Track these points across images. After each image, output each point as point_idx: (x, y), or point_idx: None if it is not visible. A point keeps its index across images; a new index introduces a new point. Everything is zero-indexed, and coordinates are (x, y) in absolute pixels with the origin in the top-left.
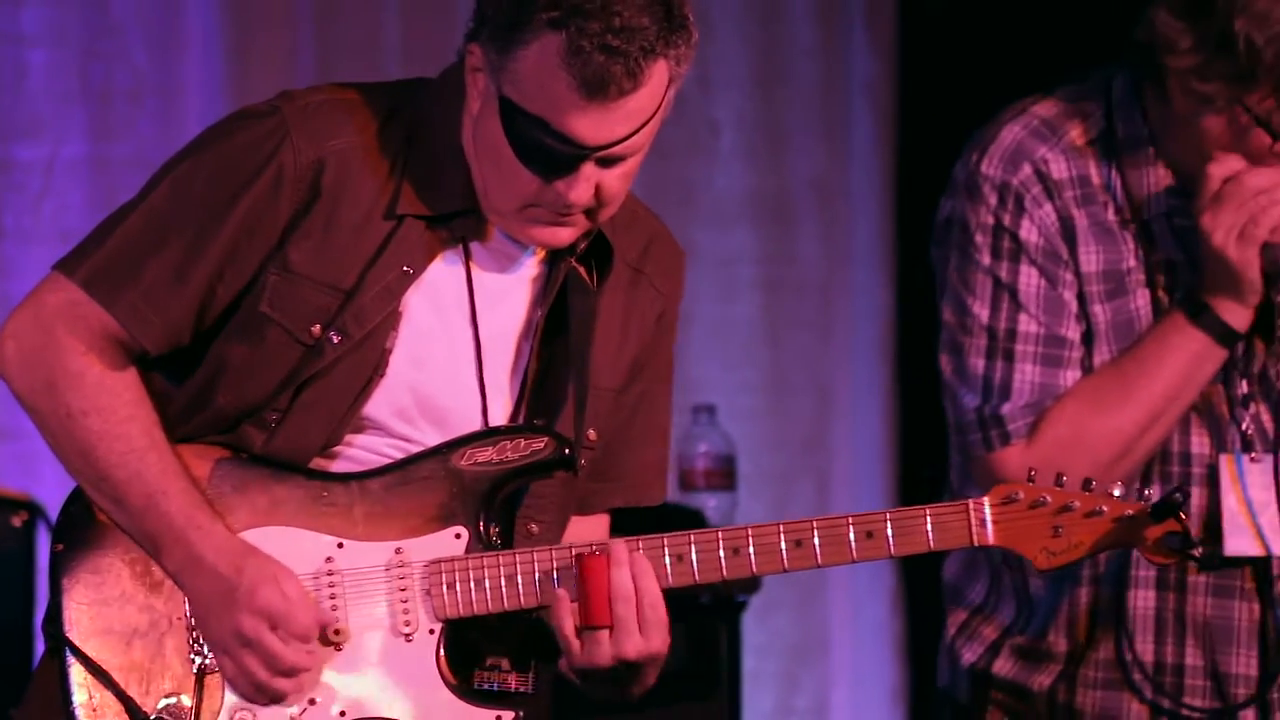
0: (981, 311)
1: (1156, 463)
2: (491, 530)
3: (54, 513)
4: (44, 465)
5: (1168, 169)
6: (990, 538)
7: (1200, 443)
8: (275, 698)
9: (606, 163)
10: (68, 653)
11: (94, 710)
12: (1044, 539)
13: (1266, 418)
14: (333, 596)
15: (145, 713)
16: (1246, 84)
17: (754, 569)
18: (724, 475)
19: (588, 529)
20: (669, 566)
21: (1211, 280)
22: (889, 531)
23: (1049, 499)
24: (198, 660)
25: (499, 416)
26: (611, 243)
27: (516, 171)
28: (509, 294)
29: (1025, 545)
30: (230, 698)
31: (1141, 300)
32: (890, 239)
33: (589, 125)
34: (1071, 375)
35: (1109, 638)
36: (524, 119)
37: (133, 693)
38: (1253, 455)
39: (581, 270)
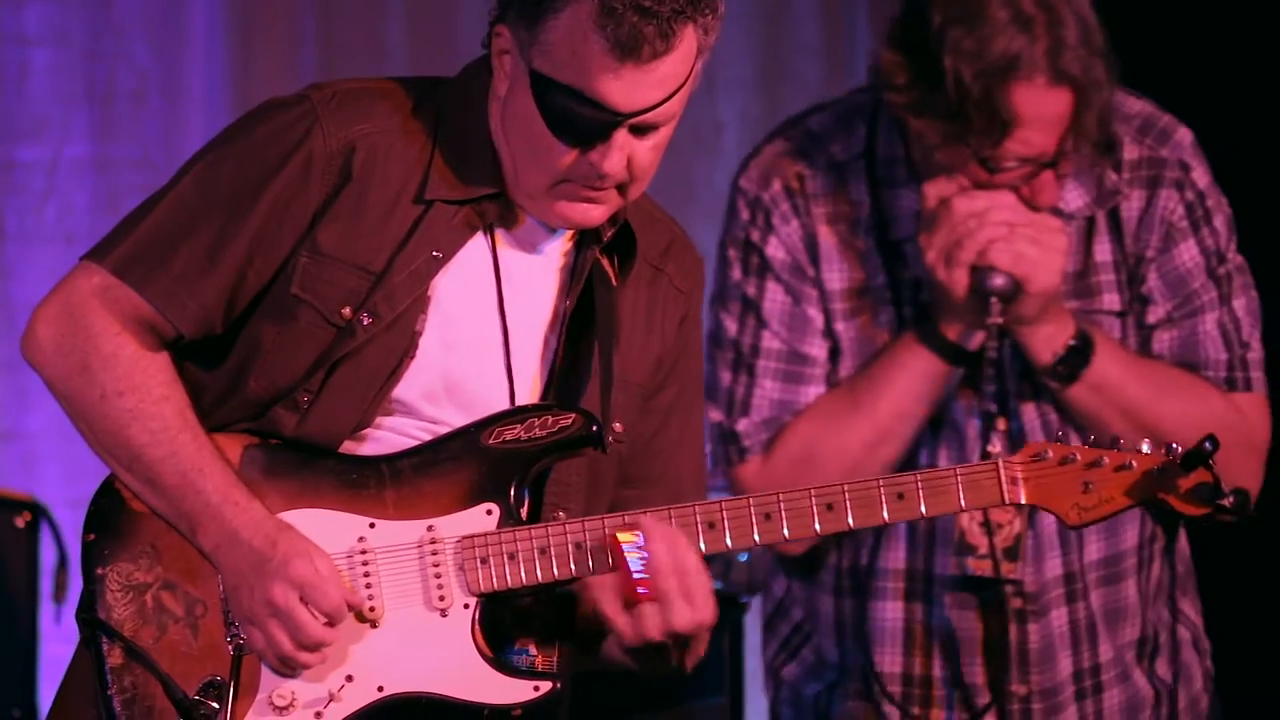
0: (730, 326)
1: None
2: (523, 507)
3: (56, 512)
4: (46, 466)
5: (918, 192)
6: (1022, 495)
7: (948, 457)
8: (300, 671)
9: (639, 131)
10: (103, 639)
11: (133, 694)
12: (1075, 495)
13: (1015, 422)
14: (367, 574)
15: (185, 693)
16: (958, 120)
17: (786, 534)
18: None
19: None
20: (701, 534)
21: (933, 301)
22: (920, 492)
23: (1078, 456)
24: (234, 641)
25: (526, 401)
26: (636, 235)
27: (549, 146)
28: (535, 282)
29: (1056, 502)
30: (268, 677)
31: (885, 318)
32: None
33: (622, 89)
34: (813, 391)
35: (861, 649)
36: (556, 90)
37: (171, 674)
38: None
39: (605, 263)
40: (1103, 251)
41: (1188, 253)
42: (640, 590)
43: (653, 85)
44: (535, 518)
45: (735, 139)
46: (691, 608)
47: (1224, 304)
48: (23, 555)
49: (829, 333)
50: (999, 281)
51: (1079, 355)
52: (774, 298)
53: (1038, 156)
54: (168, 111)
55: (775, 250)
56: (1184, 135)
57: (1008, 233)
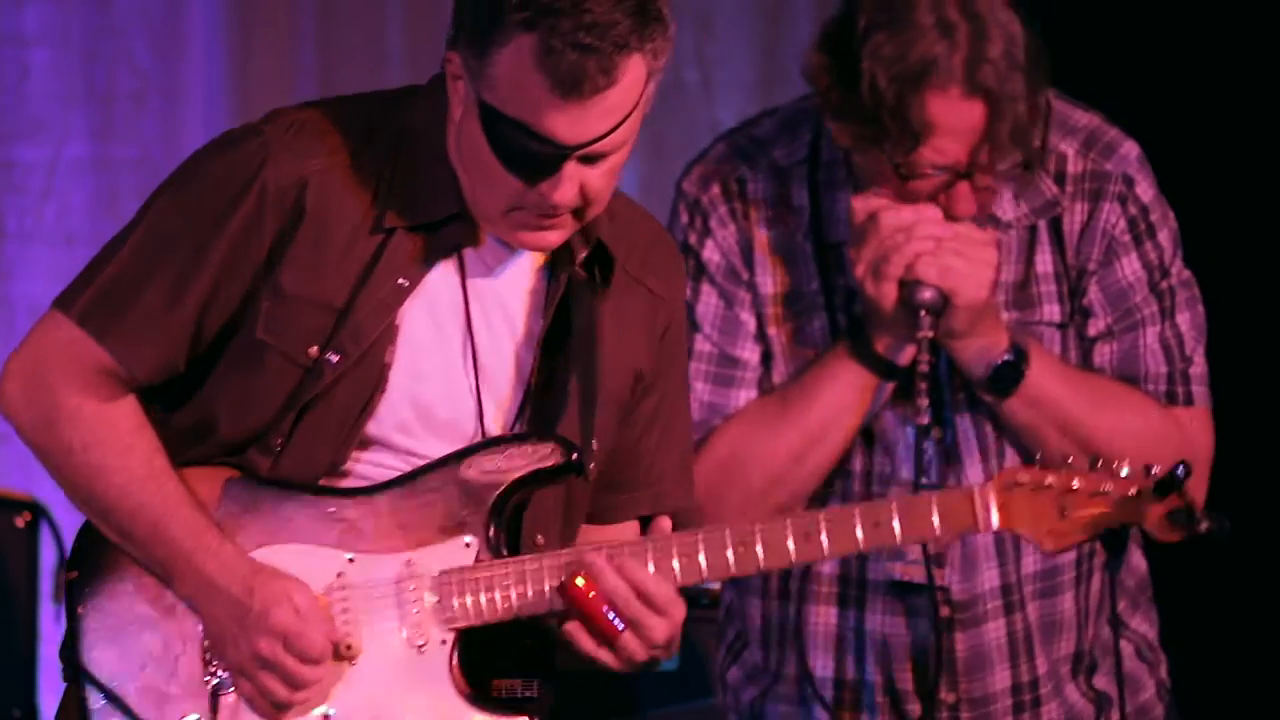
0: None
1: (839, 479)
2: (502, 538)
3: (57, 512)
4: None
5: (857, 194)
6: (995, 522)
7: (880, 468)
8: (294, 715)
9: (588, 160)
10: (84, 681)
11: None
12: (1050, 521)
13: (950, 430)
14: (345, 611)
15: None
16: (873, 125)
17: (761, 565)
18: None
19: (626, 536)
20: (678, 567)
21: (864, 314)
22: (895, 521)
23: (1052, 481)
24: (212, 681)
25: (498, 426)
26: (613, 252)
27: (500, 176)
28: (507, 302)
29: (1031, 528)
30: (247, 716)
31: (819, 324)
32: None
33: (567, 124)
34: (744, 395)
35: (795, 653)
36: (504, 123)
37: (148, 717)
38: (924, 484)
39: (583, 276)
40: (1044, 262)
41: (1129, 266)
42: (612, 626)
43: (599, 117)
44: (515, 546)
45: None
46: (664, 618)
47: (1166, 318)
48: (23, 555)
49: (761, 337)
50: (927, 295)
51: (1013, 369)
52: (707, 301)
53: (952, 166)
54: (167, 112)
55: (711, 254)
56: (1130, 149)
57: (934, 246)
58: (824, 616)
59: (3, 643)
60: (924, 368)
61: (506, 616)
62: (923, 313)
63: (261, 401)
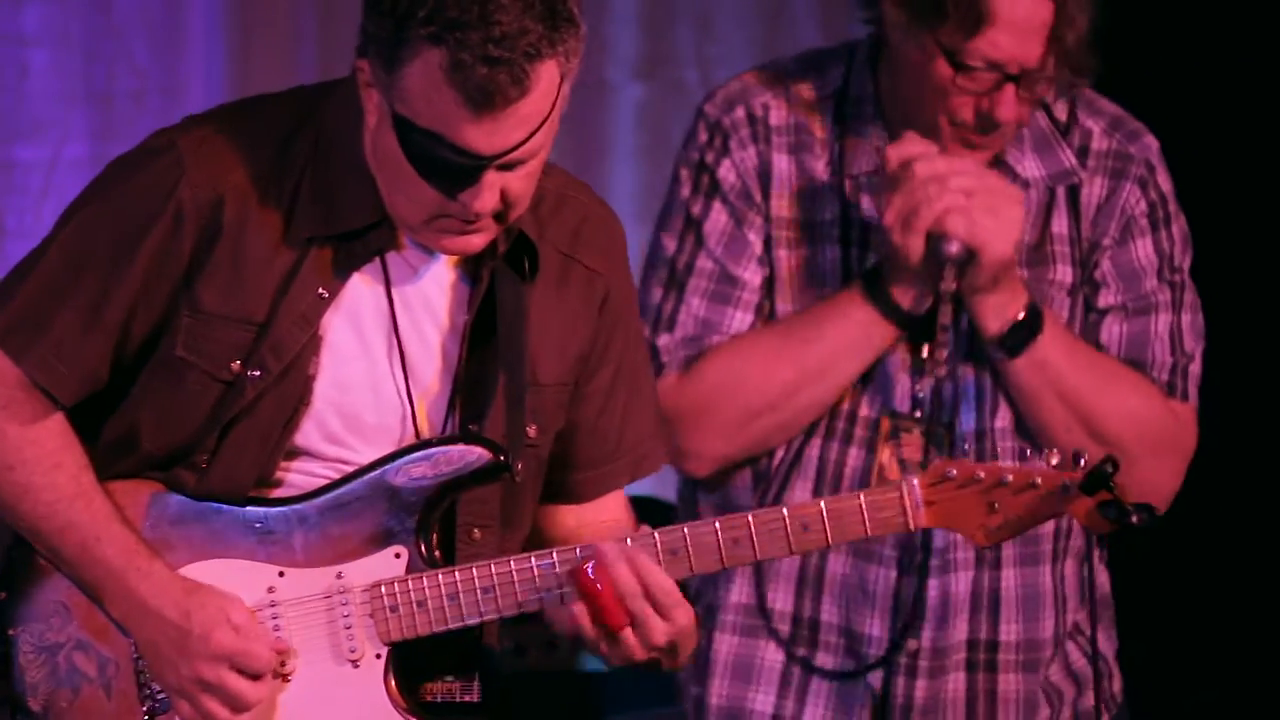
0: (670, 244)
1: (825, 418)
2: (432, 546)
3: None
4: None
5: (884, 130)
6: (925, 519)
7: (871, 410)
8: None
9: (508, 167)
10: (16, 707)
11: None
12: (980, 516)
13: (949, 382)
14: (277, 628)
15: None
16: (936, 14)
17: (691, 568)
18: None
19: (607, 512)
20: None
21: (887, 259)
22: (825, 523)
23: (982, 475)
24: (147, 704)
25: (431, 425)
26: (535, 242)
27: (418, 186)
28: (432, 300)
29: (962, 524)
30: None
31: (831, 255)
32: None
33: (482, 136)
34: (740, 316)
35: (749, 584)
36: (418, 135)
37: None
38: (918, 416)
39: (508, 268)
40: (1060, 225)
41: (1144, 250)
42: (615, 619)
43: (514, 126)
44: (449, 541)
45: None
46: (667, 622)
47: (1175, 310)
48: None
49: (768, 260)
50: (954, 250)
51: (1027, 330)
52: (716, 219)
53: (1005, 63)
54: (167, 111)
55: (726, 173)
56: (1152, 141)
57: (965, 201)
58: None
59: None
60: (945, 319)
61: (439, 629)
62: (948, 266)
63: (183, 418)
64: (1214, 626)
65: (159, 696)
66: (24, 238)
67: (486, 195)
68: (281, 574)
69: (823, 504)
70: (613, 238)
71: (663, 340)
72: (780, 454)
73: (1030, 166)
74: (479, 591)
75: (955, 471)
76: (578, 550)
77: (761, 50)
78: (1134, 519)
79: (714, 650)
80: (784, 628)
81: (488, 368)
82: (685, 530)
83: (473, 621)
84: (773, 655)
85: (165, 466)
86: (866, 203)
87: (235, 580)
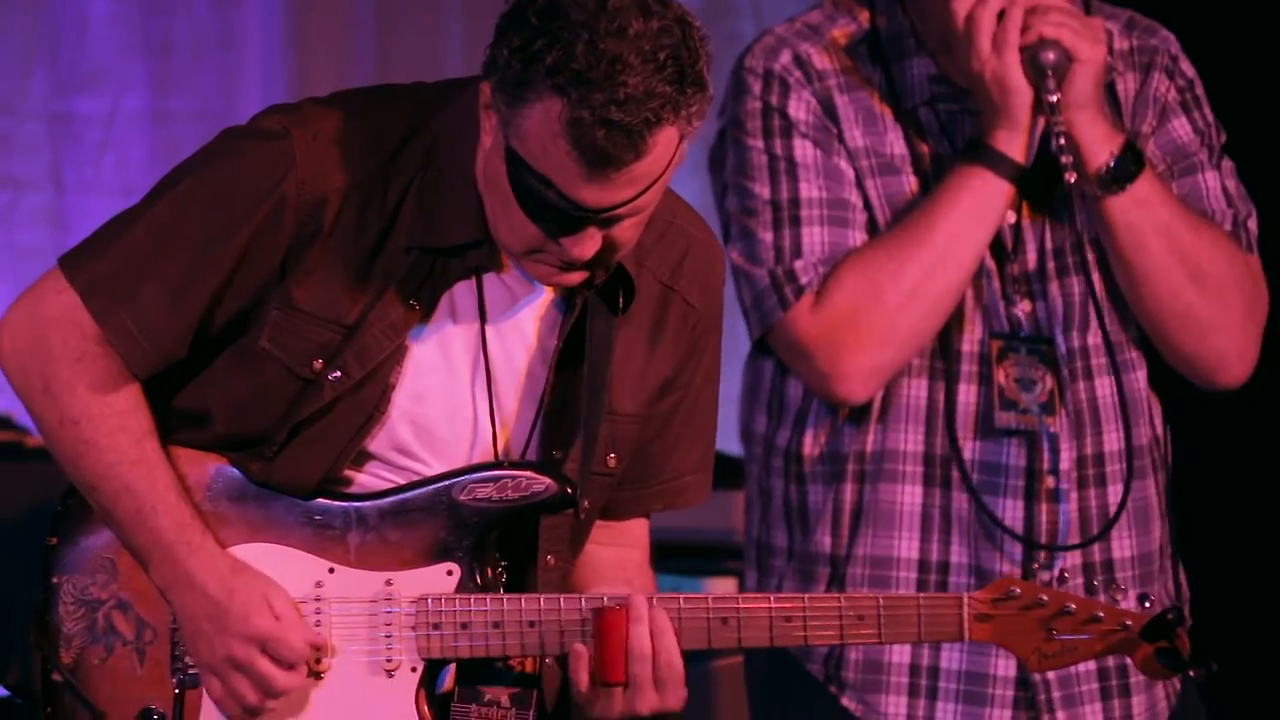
0: (763, 190)
1: (927, 358)
2: (485, 568)
3: None
4: None
5: (929, 57)
6: (980, 633)
7: (971, 339)
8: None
9: (613, 221)
10: (48, 653)
11: (70, 713)
12: (1038, 640)
13: (1041, 303)
14: (318, 624)
15: None
16: None
17: (740, 641)
18: None
19: (627, 534)
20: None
21: (984, 114)
22: (880, 618)
23: (1046, 599)
24: (179, 675)
25: (509, 448)
26: (633, 274)
27: (522, 220)
28: (523, 322)
29: (1017, 645)
30: (209, 716)
31: (909, 185)
32: None
33: (592, 192)
34: (859, 236)
35: (870, 534)
36: (529, 175)
37: (108, 703)
38: (1023, 335)
39: (600, 300)
40: None
41: (1182, 128)
42: (612, 672)
43: (624, 186)
44: (530, 565)
45: None
46: (659, 696)
47: (1219, 172)
48: None
49: (860, 187)
50: (1051, 55)
51: (1130, 162)
52: (804, 151)
53: None
54: (225, 64)
55: (797, 110)
56: (1169, 34)
57: (1046, 9)
58: (910, 496)
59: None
60: (1061, 126)
61: (477, 655)
62: (1049, 75)
63: (258, 409)
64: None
65: (190, 670)
66: (82, 190)
67: (588, 244)
68: (331, 570)
69: (880, 599)
70: (713, 270)
71: (797, 264)
72: (881, 397)
73: None
74: (524, 624)
75: (1019, 591)
76: (604, 598)
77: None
78: (1190, 673)
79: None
80: (910, 575)
81: (573, 396)
82: (740, 603)
83: (514, 654)
84: None
85: (232, 449)
86: (931, 133)
87: (285, 567)
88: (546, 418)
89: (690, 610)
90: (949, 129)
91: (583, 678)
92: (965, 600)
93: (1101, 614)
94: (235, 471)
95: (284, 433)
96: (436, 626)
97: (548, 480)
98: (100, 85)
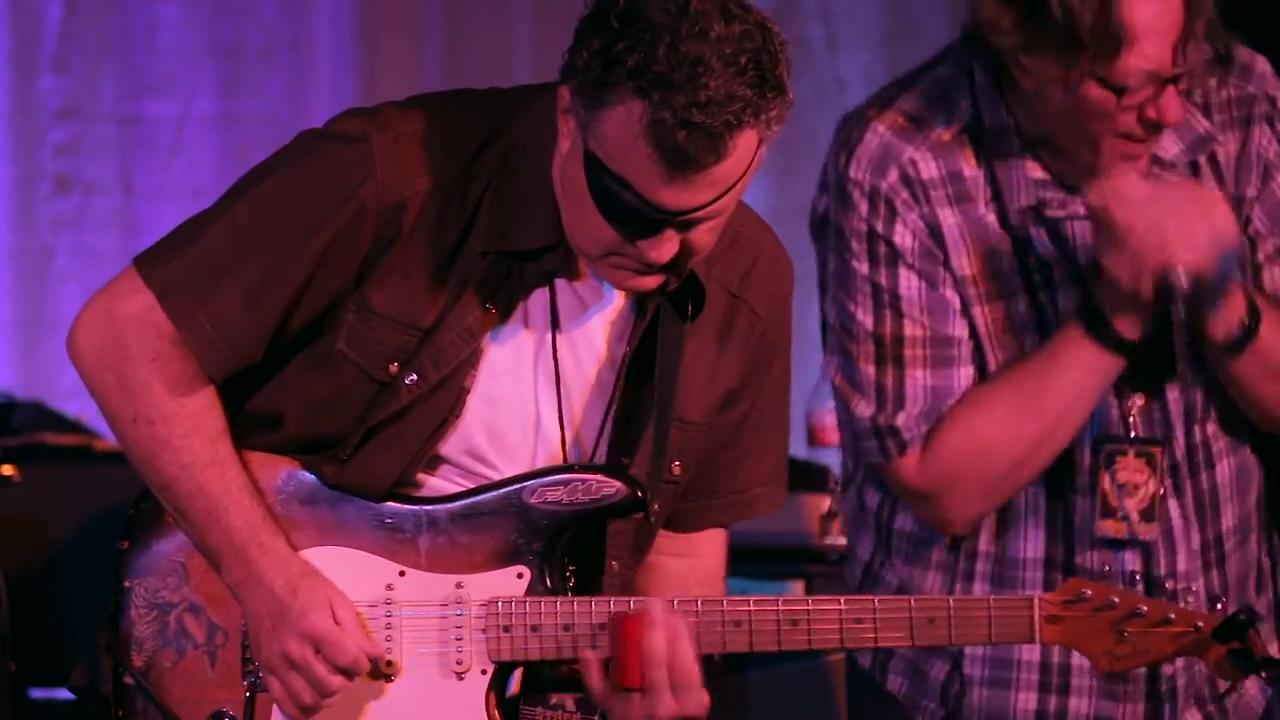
0: (865, 319)
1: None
2: (555, 571)
3: None
4: None
5: (1034, 159)
6: (1051, 635)
7: (1081, 447)
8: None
9: (691, 224)
10: (120, 657)
11: (142, 716)
12: (1109, 642)
13: (1156, 401)
14: (389, 626)
15: None
16: (1073, 50)
17: (810, 643)
18: None
19: (698, 546)
20: (724, 633)
21: (1106, 294)
22: (950, 620)
23: (1117, 601)
24: (250, 678)
25: (578, 452)
26: (704, 283)
27: (598, 223)
28: (593, 329)
29: (1089, 646)
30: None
31: (1023, 305)
32: None
33: (671, 195)
34: (965, 373)
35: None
36: (607, 176)
37: (179, 706)
38: (1132, 438)
39: (671, 306)
40: None
41: None
42: (628, 677)
43: (703, 188)
44: (595, 571)
45: (859, 96)
46: (677, 702)
47: None
48: None
49: (966, 314)
50: (1185, 282)
51: (1250, 330)
52: (909, 284)
53: (1157, 71)
54: (295, 67)
55: (903, 238)
56: (1263, 65)
57: (1180, 227)
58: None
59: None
60: (1180, 345)
61: (548, 656)
62: (1180, 300)
63: (333, 412)
64: None
65: (260, 674)
66: (152, 194)
67: (666, 247)
68: (402, 574)
69: (950, 601)
70: (781, 280)
71: (900, 419)
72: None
73: (1168, 145)
74: (594, 627)
75: (1090, 593)
76: (630, 602)
77: (887, 5)
78: (1263, 675)
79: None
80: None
81: (641, 402)
82: (810, 604)
83: (585, 656)
84: None
85: (306, 451)
86: (1038, 241)
87: (356, 571)
88: (614, 424)
89: (707, 613)
90: (1055, 233)
91: (595, 680)
92: (1036, 601)
93: (1173, 615)
94: (307, 475)
95: (359, 436)
96: (507, 629)
97: (618, 484)
98: (170, 88)
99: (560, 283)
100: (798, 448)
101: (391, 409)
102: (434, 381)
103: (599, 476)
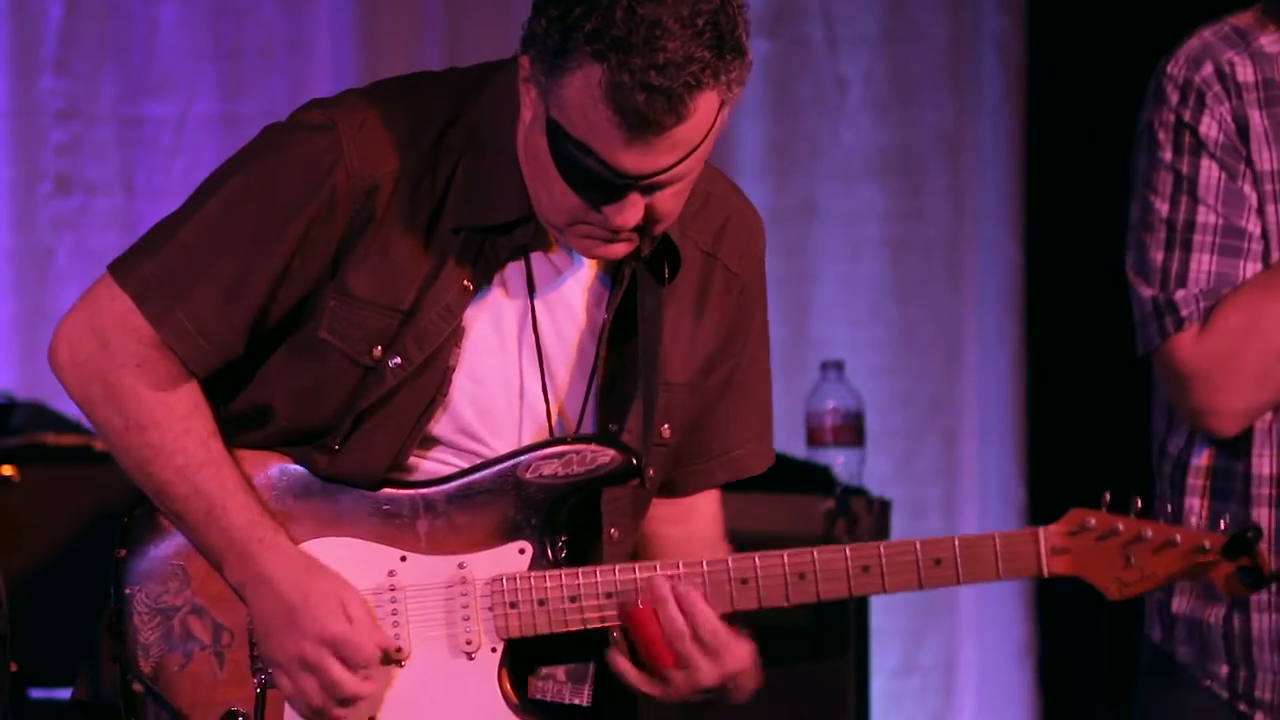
0: (1162, 206)
1: (1222, 480)
2: (558, 544)
3: None
4: None
5: None
6: (1058, 566)
7: (1268, 464)
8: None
9: (654, 188)
10: (127, 664)
11: None
12: (1116, 569)
13: None
14: (394, 612)
15: None
16: None
17: (819, 594)
18: (852, 431)
19: (694, 510)
20: (733, 590)
21: None
22: (957, 560)
23: (1121, 528)
24: (259, 675)
25: (566, 423)
26: (677, 243)
27: (563, 191)
28: (572, 298)
29: (1096, 575)
30: (291, 717)
31: None
32: (1019, 194)
33: (633, 158)
34: (1251, 267)
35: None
36: (569, 143)
37: (190, 709)
38: None
39: (648, 270)
40: None
41: None
42: (658, 660)
43: (665, 151)
44: (593, 540)
45: (859, 96)
46: (716, 663)
47: None
48: None
49: (1260, 213)
50: None
51: None
52: (1208, 174)
53: None
54: (295, 68)
55: (1209, 129)
56: None
57: None
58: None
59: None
60: None
61: (557, 629)
62: None
63: (320, 400)
64: None
65: (270, 670)
66: (153, 195)
67: (630, 212)
68: (403, 559)
69: (956, 541)
70: (754, 238)
71: (1179, 295)
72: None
73: None
74: (600, 596)
75: (1094, 522)
76: (636, 584)
77: (888, 4)
78: (1273, 588)
79: (1255, 631)
80: None
81: (624, 368)
82: (814, 554)
83: (593, 626)
84: None
85: (298, 443)
86: None
87: (356, 559)
88: (599, 392)
89: (769, 567)
90: None
91: (633, 679)
92: (1041, 535)
93: (1179, 537)
94: (299, 468)
95: (348, 423)
96: (514, 605)
97: (612, 452)
98: (170, 89)
99: (535, 255)
100: (798, 448)
101: (378, 393)
102: (418, 362)
103: (592, 446)
